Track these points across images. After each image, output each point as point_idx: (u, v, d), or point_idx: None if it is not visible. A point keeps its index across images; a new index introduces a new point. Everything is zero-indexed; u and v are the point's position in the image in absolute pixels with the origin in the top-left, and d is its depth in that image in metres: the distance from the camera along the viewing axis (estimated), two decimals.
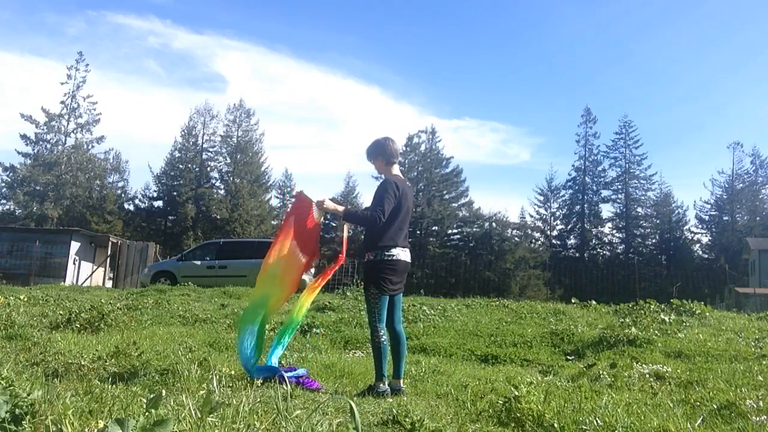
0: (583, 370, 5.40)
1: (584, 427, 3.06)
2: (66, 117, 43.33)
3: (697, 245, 49.91)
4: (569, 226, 50.46)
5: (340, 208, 4.39)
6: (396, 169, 4.51)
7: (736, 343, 7.27)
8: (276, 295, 4.36)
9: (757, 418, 3.33)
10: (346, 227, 4.70)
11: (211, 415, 2.40)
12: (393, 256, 4.24)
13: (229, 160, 47.94)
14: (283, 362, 5.06)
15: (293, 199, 4.59)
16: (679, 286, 27.69)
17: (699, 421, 3.32)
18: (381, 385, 4.10)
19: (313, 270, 18.30)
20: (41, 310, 8.72)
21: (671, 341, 7.24)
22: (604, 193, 50.23)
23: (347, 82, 77.92)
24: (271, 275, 4.36)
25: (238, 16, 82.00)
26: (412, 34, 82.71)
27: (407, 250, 4.40)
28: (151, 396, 2.34)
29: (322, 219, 4.50)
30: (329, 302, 10.91)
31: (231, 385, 3.76)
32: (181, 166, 46.54)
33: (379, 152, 4.48)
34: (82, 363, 4.21)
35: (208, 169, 48.11)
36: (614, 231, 50.14)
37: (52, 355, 4.70)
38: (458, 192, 49.93)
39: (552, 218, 51.27)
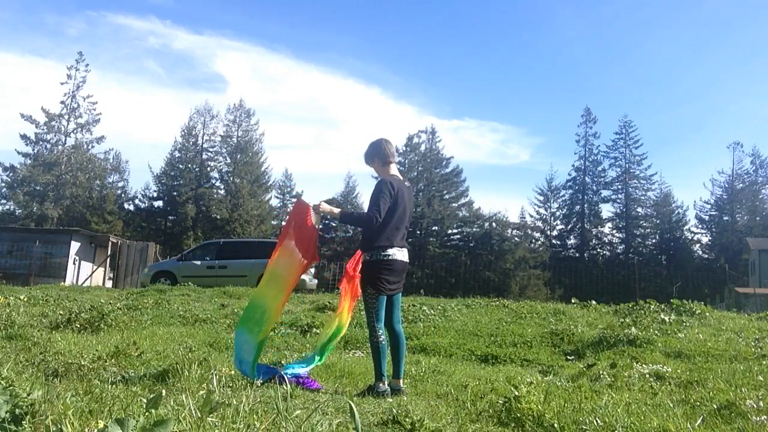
0: (583, 370, 5.41)
1: (584, 427, 3.06)
2: (66, 117, 43.34)
3: (697, 245, 50.00)
4: (569, 226, 50.47)
5: (336, 211, 4.39)
6: (394, 169, 4.50)
7: (736, 343, 7.27)
8: (277, 298, 4.31)
9: (757, 418, 3.33)
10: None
11: (211, 415, 2.40)
12: (389, 256, 4.23)
13: (229, 160, 47.93)
14: (283, 362, 5.07)
15: (293, 203, 4.63)
16: (679, 286, 27.71)
17: (699, 421, 3.31)
18: (381, 385, 4.10)
19: (312, 270, 18.30)
20: (41, 310, 8.72)
21: (671, 341, 7.24)
22: (604, 193, 50.31)
23: (347, 83, 78.04)
24: (275, 275, 4.34)
25: (237, 16, 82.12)
26: (412, 34, 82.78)
27: (405, 250, 4.39)
28: (151, 396, 2.34)
29: (320, 223, 4.49)
30: (329, 302, 10.90)
31: (231, 385, 3.76)
32: (181, 166, 46.54)
33: (375, 153, 4.49)
34: (82, 363, 4.21)
35: (208, 169, 48.12)
36: (614, 231, 50.17)
37: (52, 355, 4.70)
38: (458, 192, 49.94)
39: (552, 218, 51.33)
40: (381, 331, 4.19)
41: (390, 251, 4.24)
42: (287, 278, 4.33)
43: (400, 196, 4.31)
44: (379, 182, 4.35)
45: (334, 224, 49.59)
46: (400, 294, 4.48)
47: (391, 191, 4.25)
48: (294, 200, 47.44)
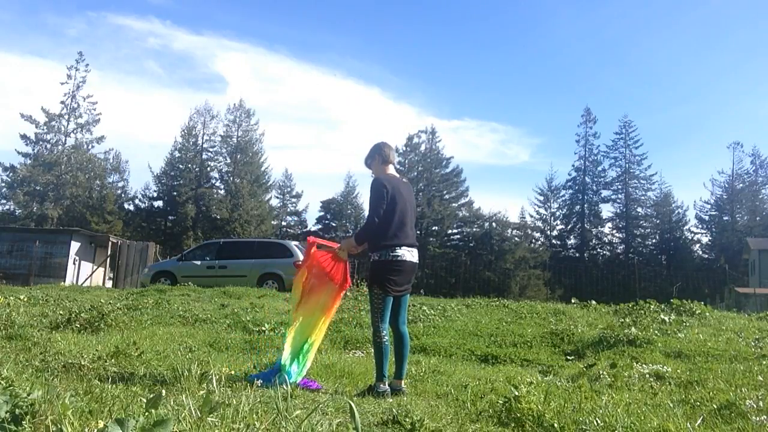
0: (583, 370, 5.41)
1: (584, 427, 3.07)
2: (66, 117, 43.31)
3: (697, 245, 50.00)
4: (569, 226, 50.46)
5: (351, 240, 4.44)
6: (390, 170, 4.53)
7: (736, 343, 7.27)
8: (321, 326, 4.50)
9: (757, 418, 3.34)
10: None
11: (211, 415, 2.40)
12: (399, 256, 4.22)
13: (229, 160, 47.93)
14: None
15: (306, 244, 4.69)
16: (679, 286, 27.71)
17: (699, 421, 3.32)
18: (381, 385, 4.10)
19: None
20: (41, 310, 8.72)
21: (671, 341, 7.24)
22: (604, 193, 50.31)
23: (347, 83, 77.95)
24: (318, 308, 4.44)
25: (237, 17, 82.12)
26: (412, 34, 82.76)
27: (414, 250, 4.36)
28: (151, 396, 2.34)
29: (347, 256, 4.56)
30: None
31: (231, 385, 3.76)
32: (181, 166, 46.52)
33: (374, 153, 4.54)
34: (82, 363, 4.21)
35: (208, 169, 48.11)
36: (614, 231, 50.18)
37: (52, 355, 4.71)
38: (458, 192, 49.96)
39: (552, 218, 51.33)
40: (384, 332, 4.17)
41: (399, 251, 4.22)
42: (329, 306, 4.47)
43: (397, 191, 4.31)
44: (372, 183, 4.37)
45: (334, 224, 49.64)
46: (408, 295, 4.47)
47: (384, 189, 4.25)
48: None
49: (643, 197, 49.80)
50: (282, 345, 4.54)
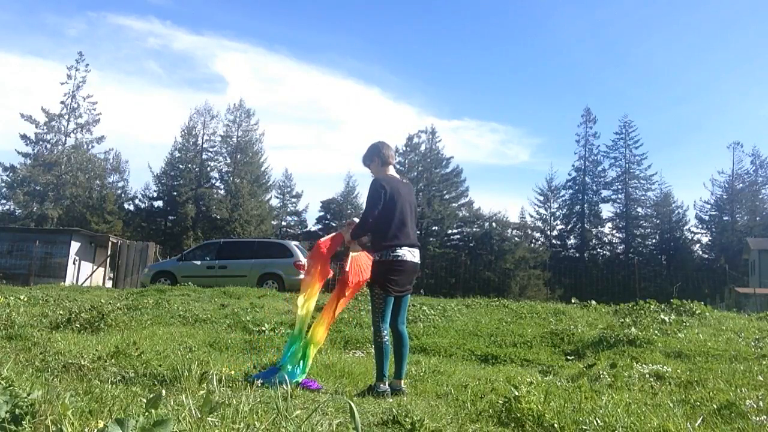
0: (583, 370, 5.41)
1: (584, 427, 3.07)
2: (66, 117, 43.33)
3: (697, 245, 50.04)
4: (569, 226, 50.47)
5: (348, 235, 4.45)
6: (390, 170, 4.53)
7: (736, 343, 7.27)
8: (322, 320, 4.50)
9: (757, 418, 3.33)
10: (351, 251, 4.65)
11: (211, 415, 2.40)
12: (399, 256, 4.22)
13: (229, 160, 47.95)
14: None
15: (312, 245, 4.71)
16: (679, 286, 27.69)
17: (699, 421, 3.32)
18: (381, 385, 4.10)
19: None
20: (41, 310, 8.72)
21: (671, 341, 7.23)
22: (604, 193, 50.36)
23: (347, 83, 78.02)
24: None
25: (237, 17, 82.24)
26: (412, 34, 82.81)
27: (416, 250, 4.36)
28: (151, 396, 2.34)
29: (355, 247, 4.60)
30: None
31: (231, 385, 3.76)
32: (181, 166, 46.54)
33: (373, 154, 4.54)
34: (82, 363, 4.21)
35: (208, 169, 48.14)
36: (614, 231, 50.23)
37: (52, 355, 4.71)
38: (458, 192, 49.98)
39: (552, 218, 51.37)
40: (385, 332, 4.18)
41: (400, 252, 4.22)
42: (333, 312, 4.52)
43: (395, 191, 4.31)
44: (371, 183, 4.38)
45: (334, 224, 49.65)
46: (409, 295, 4.47)
47: (382, 189, 4.26)
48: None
49: (643, 197, 49.88)
50: (283, 345, 4.55)
